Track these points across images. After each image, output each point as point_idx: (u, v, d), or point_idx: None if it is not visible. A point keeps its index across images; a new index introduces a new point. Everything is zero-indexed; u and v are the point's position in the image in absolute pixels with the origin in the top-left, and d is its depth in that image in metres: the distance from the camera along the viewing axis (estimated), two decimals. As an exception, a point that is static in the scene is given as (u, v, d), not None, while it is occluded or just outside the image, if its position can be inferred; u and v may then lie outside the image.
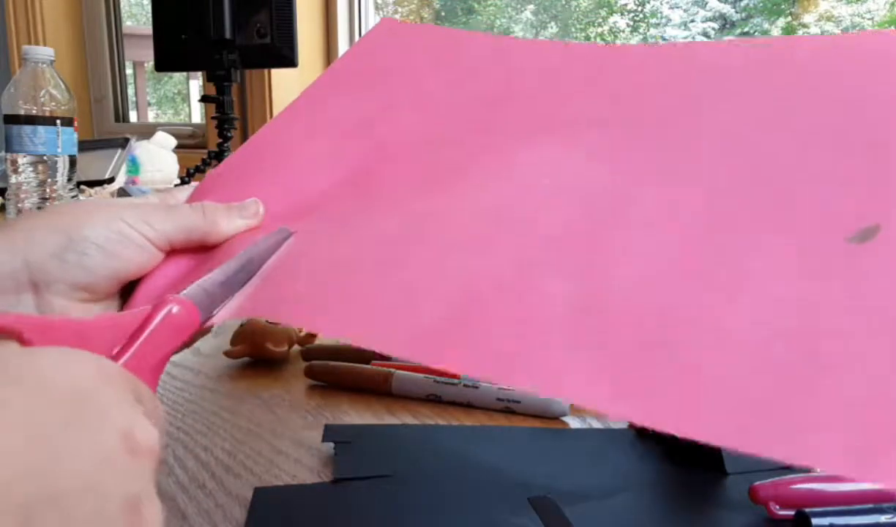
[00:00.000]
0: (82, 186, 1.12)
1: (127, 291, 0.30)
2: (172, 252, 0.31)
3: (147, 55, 1.67)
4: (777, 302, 0.20)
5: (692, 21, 2.01)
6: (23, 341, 0.19)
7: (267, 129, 0.38)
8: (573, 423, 0.43)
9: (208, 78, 1.09)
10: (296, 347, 0.53)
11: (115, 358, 0.21)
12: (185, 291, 0.24)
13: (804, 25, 1.69)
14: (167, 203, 0.33)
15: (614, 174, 0.27)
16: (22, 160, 0.89)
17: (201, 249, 0.31)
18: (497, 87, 0.36)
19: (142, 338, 0.22)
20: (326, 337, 0.55)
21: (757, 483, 0.31)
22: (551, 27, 2.38)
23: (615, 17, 2.29)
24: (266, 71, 1.46)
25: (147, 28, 1.18)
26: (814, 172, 0.24)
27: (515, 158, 0.30)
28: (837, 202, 0.23)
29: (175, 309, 0.23)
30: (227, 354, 0.51)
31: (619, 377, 0.19)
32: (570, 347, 0.20)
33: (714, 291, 0.21)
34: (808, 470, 0.35)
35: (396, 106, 0.37)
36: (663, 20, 2.12)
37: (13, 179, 0.90)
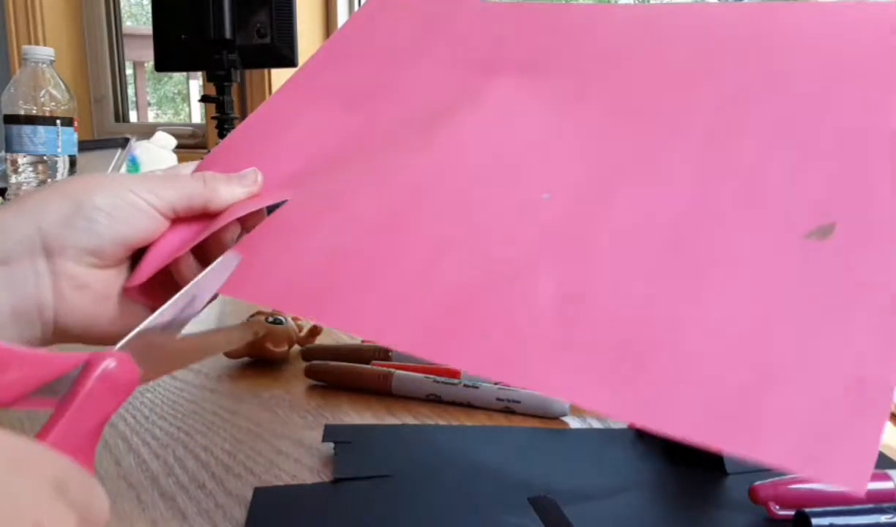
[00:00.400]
0: (82, 186, 1.12)
1: (136, 258, 0.31)
2: (177, 220, 0.32)
3: (147, 55, 1.67)
4: (736, 302, 0.21)
5: (692, 21, 2.00)
6: None
7: (265, 106, 0.39)
8: (573, 423, 0.43)
9: (208, 78, 1.09)
10: (296, 348, 0.53)
11: (44, 432, 0.20)
12: (121, 343, 0.23)
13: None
14: (172, 174, 0.33)
15: (600, 165, 0.28)
16: (22, 160, 0.89)
17: (204, 218, 0.32)
18: (488, 52, 0.36)
19: (75, 403, 0.20)
20: (322, 326, 0.55)
21: (757, 483, 0.31)
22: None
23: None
24: (266, 71, 1.46)
25: (147, 28, 1.18)
26: (778, 171, 0.25)
27: (507, 139, 0.31)
28: (799, 200, 0.23)
29: (112, 365, 0.21)
30: (227, 354, 0.51)
31: (602, 375, 0.20)
32: (558, 345, 0.21)
33: (682, 293, 0.22)
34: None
35: (390, 77, 0.37)
36: (663, 20, 2.11)
37: (13, 179, 0.90)
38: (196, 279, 0.27)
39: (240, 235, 0.33)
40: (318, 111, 0.37)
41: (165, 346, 0.25)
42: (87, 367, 0.21)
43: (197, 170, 0.35)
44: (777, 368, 0.19)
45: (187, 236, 0.32)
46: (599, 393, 0.20)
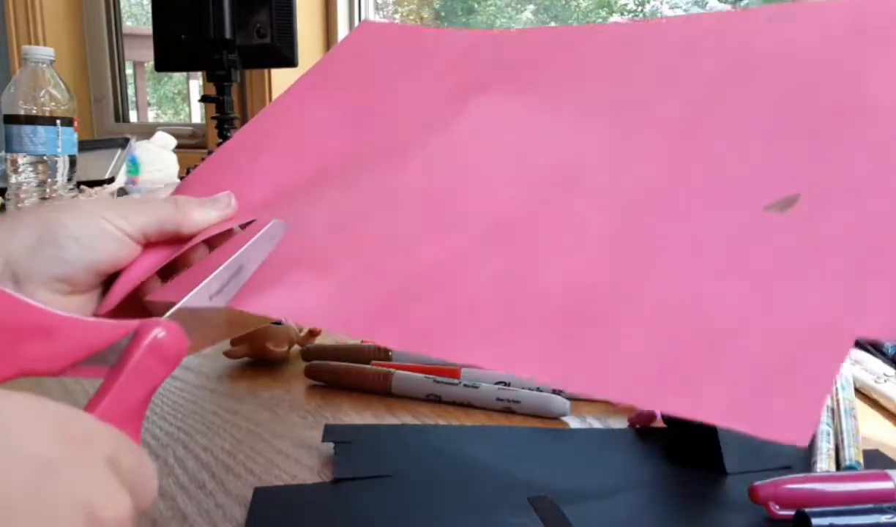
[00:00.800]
0: (82, 186, 1.12)
1: (108, 284, 0.31)
2: (149, 245, 0.31)
3: (147, 55, 1.67)
4: (686, 271, 0.22)
5: (692, 21, 2.01)
6: None
7: (243, 131, 0.40)
8: (573, 423, 0.43)
9: (208, 78, 1.09)
10: (296, 348, 0.53)
11: (94, 403, 0.19)
12: (169, 312, 0.22)
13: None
14: (143, 199, 0.33)
15: (568, 162, 0.29)
16: (22, 160, 0.89)
17: (177, 241, 0.32)
18: (466, 80, 0.37)
19: (124, 375, 0.20)
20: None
21: (757, 483, 0.31)
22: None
23: (615, 18, 2.29)
24: (266, 71, 1.46)
25: (147, 28, 1.18)
26: (745, 155, 0.26)
27: (474, 145, 0.32)
28: (765, 178, 0.24)
29: (161, 334, 0.21)
30: (227, 354, 0.51)
31: (535, 345, 0.21)
32: (493, 321, 0.22)
33: (631, 269, 0.22)
34: (808, 470, 0.36)
35: (369, 105, 0.38)
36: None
37: (13, 179, 0.90)
38: (242, 248, 0.27)
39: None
40: (296, 138, 0.38)
41: (211, 317, 0.25)
42: (137, 336, 0.21)
43: (174, 193, 0.35)
44: (722, 330, 0.19)
45: (160, 260, 0.32)
46: (529, 361, 0.20)
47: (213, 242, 0.33)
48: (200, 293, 0.24)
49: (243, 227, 0.32)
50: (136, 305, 0.31)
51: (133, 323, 0.21)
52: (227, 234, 0.33)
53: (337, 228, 0.29)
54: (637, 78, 0.31)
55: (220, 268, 0.26)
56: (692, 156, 0.26)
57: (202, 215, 0.32)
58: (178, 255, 0.31)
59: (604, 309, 0.21)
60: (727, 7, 1.95)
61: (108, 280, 0.31)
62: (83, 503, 0.15)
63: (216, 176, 0.37)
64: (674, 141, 0.27)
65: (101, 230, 0.29)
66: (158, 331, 0.21)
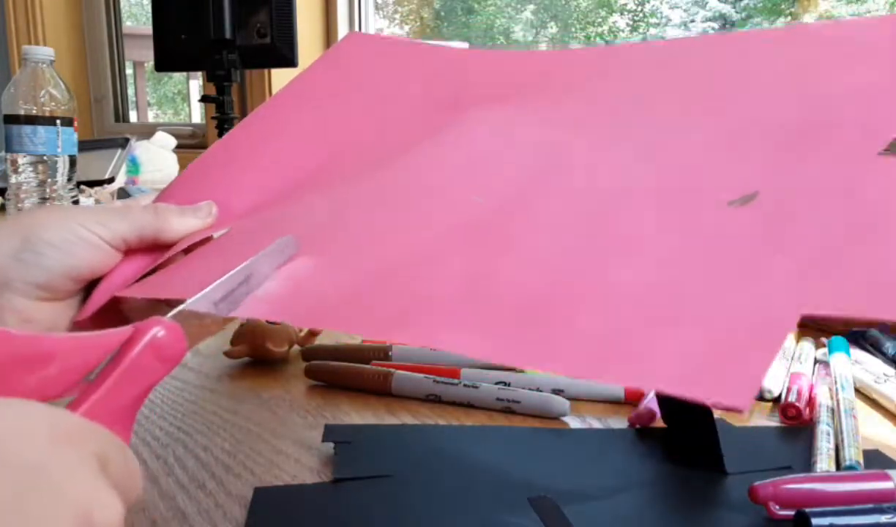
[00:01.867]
0: (82, 186, 1.12)
1: (88, 291, 0.31)
2: (130, 252, 0.31)
3: (147, 55, 1.67)
4: (644, 261, 0.23)
5: (692, 21, 2.01)
6: None
7: (226, 138, 0.40)
8: (573, 423, 0.43)
9: (208, 78, 1.09)
10: (296, 348, 0.53)
11: (83, 398, 0.19)
12: (172, 313, 0.22)
13: (804, 25, 1.68)
14: (124, 207, 0.33)
15: (540, 166, 0.30)
16: (22, 160, 0.89)
17: (157, 249, 0.32)
18: (449, 93, 0.38)
19: (118, 371, 0.19)
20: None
21: (757, 483, 0.31)
22: (551, 27, 2.38)
23: (615, 17, 2.29)
24: (266, 71, 1.46)
25: (147, 28, 1.18)
26: (709, 157, 0.27)
27: (453, 149, 0.34)
28: (727, 177, 0.26)
29: (160, 333, 0.20)
30: (227, 354, 0.51)
31: (493, 329, 0.22)
32: (457, 310, 0.23)
33: (591, 261, 0.24)
34: (808, 470, 0.36)
35: (353, 114, 0.39)
36: (663, 20, 2.12)
37: (13, 179, 0.90)
38: (252, 259, 0.26)
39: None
40: (279, 145, 0.38)
41: (202, 317, 0.24)
42: (135, 334, 0.20)
43: (157, 200, 0.36)
44: (670, 312, 0.20)
45: (140, 268, 0.32)
46: (483, 342, 0.21)
47: (188, 251, 0.33)
48: (205, 298, 0.24)
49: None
50: (116, 313, 0.30)
51: (128, 329, 0.21)
52: (205, 241, 0.33)
53: (313, 231, 0.30)
54: (611, 92, 0.33)
55: (228, 275, 0.25)
56: (658, 158, 0.28)
57: (182, 223, 0.32)
58: (158, 263, 0.31)
59: (560, 298, 0.22)
60: (727, 7, 1.95)
61: (88, 287, 0.31)
62: (75, 508, 0.15)
63: (197, 184, 0.37)
64: (640, 145, 0.29)
65: (80, 237, 0.29)
66: (158, 330, 0.20)
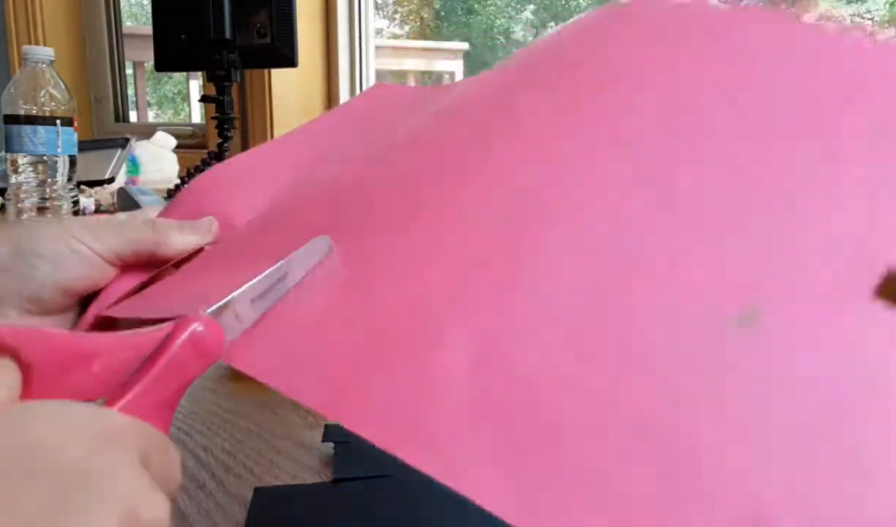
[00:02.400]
0: (82, 186, 1.12)
1: (85, 305, 0.30)
2: (127, 268, 0.31)
3: (147, 55, 1.67)
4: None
5: (692, 21, 2.01)
6: (19, 360, 0.18)
7: (230, 160, 0.40)
8: (573, 423, 0.43)
9: (208, 78, 1.09)
10: (296, 347, 0.53)
11: (121, 393, 0.19)
12: (212, 308, 0.22)
13: (804, 25, 1.68)
14: (123, 221, 0.33)
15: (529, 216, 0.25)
16: (22, 160, 0.89)
17: (155, 265, 0.31)
18: (465, 133, 0.34)
19: (157, 366, 0.19)
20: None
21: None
22: (551, 27, 2.38)
23: (615, 17, 2.28)
24: (266, 71, 1.46)
25: (147, 28, 1.18)
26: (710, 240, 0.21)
27: (462, 194, 0.28)
28: (722, 275, 0.20)
29: (200, 329, 0.21)
30: (227, 354, 0.51)
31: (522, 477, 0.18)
32: (470, 427, 0.19)
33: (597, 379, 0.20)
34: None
35: (370, 144, 0.38)
36: (663, 20, 2.11)
37: (13, 179, 0.90)
38: (288, 257, 0.25)
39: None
40: (280, 168, 0.38)
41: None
42: (175, 330, 0.20)
43: (162, 212, 0.35)
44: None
45: (137, 283, 0.31)
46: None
47: (177, 264, 0.32)
48: (244, 295, 0.23)
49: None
50: (112, 329, 0.30)
51: (168, 325, 0.21)
52: (198, 252, 0.33)
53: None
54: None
55: (266, 272, 0.24)
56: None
57: (180, 240, 0.31)
58: (145, 281, 0.31)
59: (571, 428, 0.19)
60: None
61: (85, 303, 0.30)
62: (121, 507, 0.15)
63: (199, 200, 0.36)
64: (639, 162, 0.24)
65: (73, 250, 0.29)
66: (197, 325, 0.21)
